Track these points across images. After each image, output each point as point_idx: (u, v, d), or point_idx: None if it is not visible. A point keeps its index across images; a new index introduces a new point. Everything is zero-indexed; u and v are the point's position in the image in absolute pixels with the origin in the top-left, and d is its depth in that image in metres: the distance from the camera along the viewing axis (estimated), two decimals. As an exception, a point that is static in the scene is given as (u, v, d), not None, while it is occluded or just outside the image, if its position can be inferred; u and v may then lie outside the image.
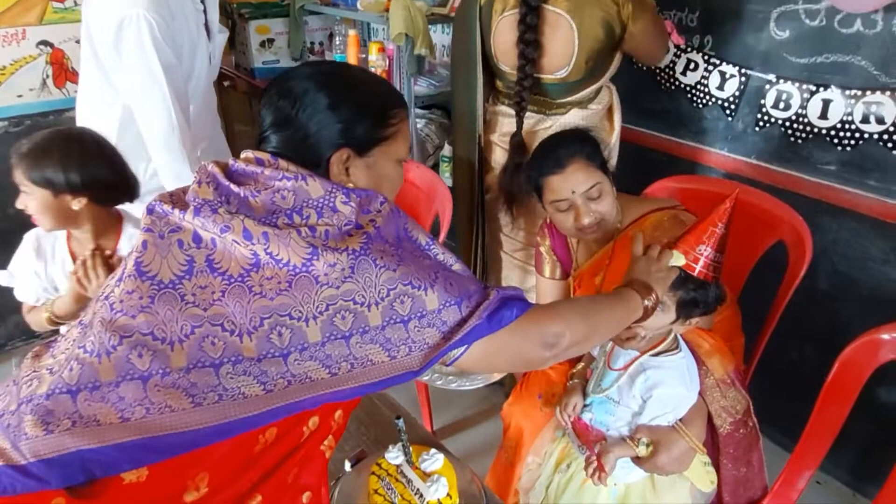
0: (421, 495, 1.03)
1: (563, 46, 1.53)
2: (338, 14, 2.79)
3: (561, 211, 1.28)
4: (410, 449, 1.09)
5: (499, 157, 1.78)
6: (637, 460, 1.17)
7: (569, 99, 1.64)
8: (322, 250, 0.72)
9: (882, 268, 1.61)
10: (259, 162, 0.83)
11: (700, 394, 1.18)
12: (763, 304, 1.51)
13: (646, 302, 0.97)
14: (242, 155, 0.86)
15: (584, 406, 1.25)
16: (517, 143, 1.68)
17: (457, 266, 0.82)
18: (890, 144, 1.49)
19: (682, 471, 1.17)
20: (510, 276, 1.90)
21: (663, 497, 1.22)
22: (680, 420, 1.16)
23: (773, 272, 1.51)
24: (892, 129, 1.48)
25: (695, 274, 1.03)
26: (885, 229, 1.57)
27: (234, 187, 0.79)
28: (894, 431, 1.67)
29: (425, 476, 1.06)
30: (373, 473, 1.08)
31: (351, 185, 0.83)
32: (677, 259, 1.04)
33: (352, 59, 2.72)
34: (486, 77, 1.74)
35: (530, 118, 1.68)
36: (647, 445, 1.15)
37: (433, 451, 1.10)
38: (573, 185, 1.24)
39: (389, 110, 0.88)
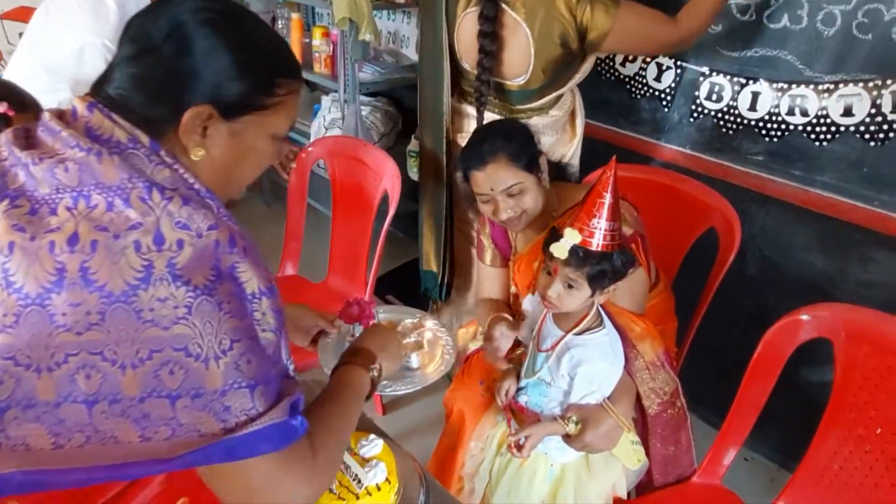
0: (359, 480, 1.03)
1: (519, 54, 1.53)
2: (280, -3, 2.72)
3: (483, 202, 1.31)
4: (349, 435, 1.09)
5: None
6: (567, 438, 1.20)
7: (529, 105, 1.65)
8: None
9: (805, 254, 1.70)
10: (73, 115, 0.64)
11: (629, 374, 1.22)
12: (695, 290, 1.57)
13: (372, 373, 0.95)
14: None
15: (520, 389, 1.28)
16: None
17: (269, 335, 0.65)
18: (813, 136, 1.57)
19: (611, 448, 1.20)
20: None
21: (597, 476, 1.25)
22: (608, 398, 1.19)
23: (706, 259, 1.57)
24: (814, 121, 1.55)
25: (594, 248, 1.06)
26: (808, 217, 1.65)
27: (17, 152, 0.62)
28: (815, 409, 1.76)
29: (364, 462, 1.06)
30: (310, 461, 1.07)
31: (200, 152, 0.67)
32: (573, 237, 1.07)
33: (295, 43, 2.66)
34: (452, 73, 1.72)
35: (491, 119, 1.66)
36: (576, 423, 1.18)
37: (372, 436, 1.10)
38: (492, 182, 1.26)
39: (278, 77, 0.72)
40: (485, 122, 1.65)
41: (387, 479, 1.05)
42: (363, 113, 2.57)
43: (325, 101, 2.72)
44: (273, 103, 0.72)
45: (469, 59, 1.62)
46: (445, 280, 2.00)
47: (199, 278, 0.58)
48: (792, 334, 1.17)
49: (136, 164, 0.60)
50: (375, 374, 0.96)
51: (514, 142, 1.28)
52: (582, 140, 1.78)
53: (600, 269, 1.09)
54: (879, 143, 1.47)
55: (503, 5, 1.50)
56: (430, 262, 2.01)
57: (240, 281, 0.61)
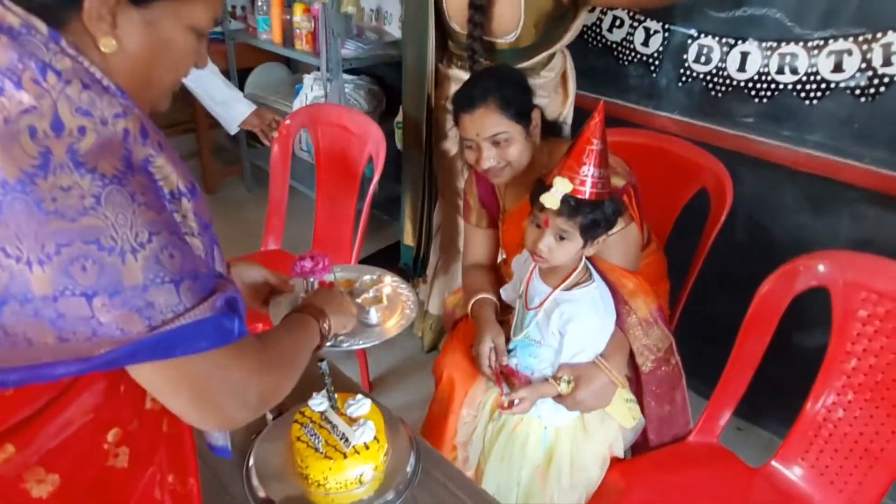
0: (346, 440, 0.99)
1: (509, 8, 1.50)
2: (259, -27, 2.67)
3: (467, 148, 1.28)
4: (335, 395, 1.05)
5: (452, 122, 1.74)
6: (559, 398, 1.17)
7: (520, 66, 1.61)
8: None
9: (796, 216, 1.68)
10: None
11: (622, 330, 1.19)
12: (687, 254, 1.54)
13: (323, 325, 0.93)
14: None
15: (509, 352, 1.24)
16: None
17: (192, 240, 0.59)
18: (803, 94, 1.55)
19: (604, 406, 1.18)
20: None
21: (593, 436, 1.22)
22: (600, 355, 1.16)
23: (696, 223, 1.54)
24: (804, 78, 1.53)
25: (586, 196, 1.03)
26: (799, 178, 1.64)
27: None
28: (807, 376, 1.74)
29: (351, 421, 1.02)
30: (295, 422, 1.02)
31: (111, 42, 0.59)
32: (563, 185, 1.04)
33: (276, 20, 2.61)
34: (438, 38, 1.69)
35: None
36: (568, 382, 1.15)
37: (359, 396, 1.06)
38: (478, 128, 1.23)
39: None
40: None
41: (375, 439, 1.01)
42: (346, 90, 2.53)
43: (308, 79, 2.67)
44: None
45: (459, 18, 1.58)
46: (422, 254, 1.97)
47: (107, 167, 0.52)
48: (789, 284, 1.15)
49: (29, 48, 0.53)
50: (326, 327, 0.93)
51: (506, 88, 1.24)
52: (574, 105, 1.75)
53: (593, 218, 1.06)
54: (870, 99, 1.46)
55: None
56: (409, 235, 1.98)
57: (155, 177, 0.55)
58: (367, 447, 0.99)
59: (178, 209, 0.57)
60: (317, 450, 0.98)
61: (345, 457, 0.97)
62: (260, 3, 2.65)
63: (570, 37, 1.60)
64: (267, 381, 0.68)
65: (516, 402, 1.16)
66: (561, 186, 1.05)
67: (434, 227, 1.99)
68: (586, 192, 1.03)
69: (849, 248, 1.59)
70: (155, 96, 0.67)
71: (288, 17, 2.55)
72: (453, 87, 1.71)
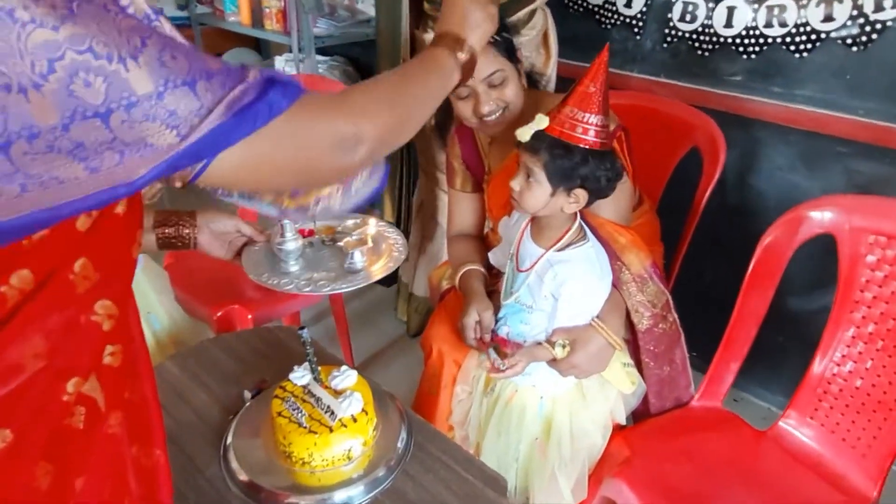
0: (332, 413, 0.91)
1: None
2: (224, -49, 2.57)
3: (461, 98, 1.18)
4: (318, 367, 0.97)
5: None
6: (554, 363, 1.10)
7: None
8: None
9: (789, 175, 1.64)
10: None
11: (617, 288, 1.13)
12: (679, 219, 1.49)
13: (460, 55, 0.81)
14: None
15: (497, 320, 1.17)
16: None
17: (186, 43, 0.51)
18: (792, 48, 1.50)
19: (602, 370, 1.11)
20: None
21: (592, 404, 1.16)
22: (596, 317, 1.10)
23: (689, 188, 1.48)
24: (794, 31, 1.48)
25: (560, 136, 0.97)
26: (789, 135, 1.59)
27: None
28: (803, 344, 1.70)
29: (336, 394, 0.94)
30: (275, 397, 0.94)
31: None
32: (541, 122, 0.98)
33: (243, 1, 2.51)
34: (413, 2, 1.62)
35: None
36: (564, 346, 1.08)
37: (345, 367, 0.98)
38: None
39: None
40: None
41: (363, 411, 0.93)
42: (320, 71, 2.44)
43: (279, 61, 2.58)
44: None
45: None
46: (400, 228, 1.90)
47: None
48: (792, 232, 1.10)
49: None
50: (463, 56, 0.80)
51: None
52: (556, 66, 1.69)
53: (561, 163, 0.99)
54: (862, 48, 1.41)
55: None
56: (388, 212, 1.91)
57: (119, 1, 0.47)
58: (354, 420, 0.92)
59: (161, 26, 0.49)
60: (300, 425, 0.91)
61: (331, 431, 0.90)
62: (227, -17, 2.55)
63: None
64: (364, 118, 0.60)
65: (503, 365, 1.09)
66: (538, 122, 1.00)
67: (414, 204, 1.92)
68: (576, 135, 0.97)
69: (844, 205, 1.56)
70: None
71: (256, -4, 2.46)
72: None
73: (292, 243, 1.00)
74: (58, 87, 0.42)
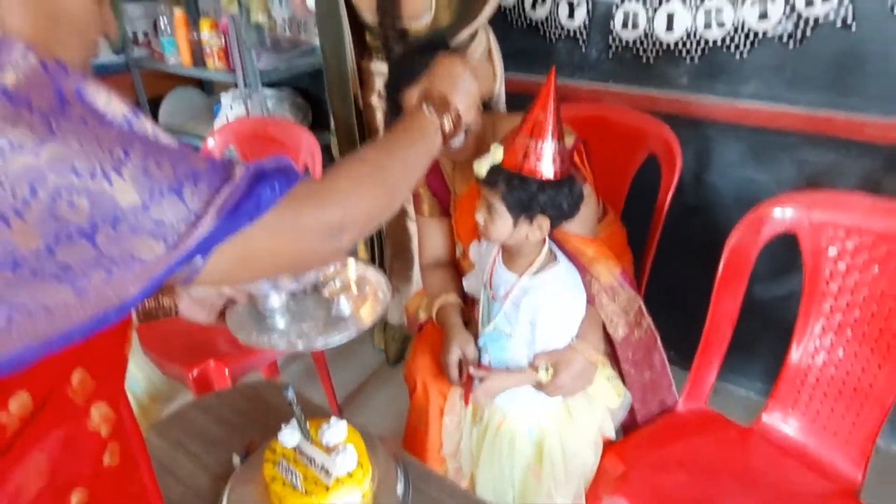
0: (327, 472, 0.89)
1: None
2: (158, -7, 2.51)
3: None
4: (307, 423, 0.95)
5: (382, 120, 1.65)
6: (539, 386, 1.11)
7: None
8: None
9: (742, 170, 1.68)
10: None
11: (590, 304, 1.14)
12: (644, 224, 1.52)
13: (443, 121, 0.78)
14: None
15: (479, 349, 1.17)
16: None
17: (170, 142, 0.50)
18: (732, 48, 1.55)
19: (588, 386, 1.12)
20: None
21: (581, 421, 1.17)
22: (575, 336, 1.11)
23: (649, 193, 1.51)
24: (732, 31, 1.53)
25: (517, 169, 0.97)
26: (739, 132, 1.64)
27: None
28: (774, 330, 1.76)
29: (329, 450, 0.93)
30: (266, 461, 0.92)
31: None
32: (496, 153, 0.99)
33: (182, 41, 2.46)
34: (355, 34, 1.61)
35: None
36: (547, 369, 1.09)
37: (333, 419, 0.97)
38: None
39: None
40: None
41: (358, 464, 0.92)
42: (268, 105, 2.41)
43: (225, 97, 2.53)
44: None
45: (368, 7, 1.51)
46: (376, 263, 1.88)
47: (42, 102, 0.42)
48: (756, 232, 1.13)
49: None
50: (447, 123, 0.78)
51: (442, 48, 1.18)
52: (504, 80, 1.70)
53: (520, 195, 0.99)
54: (798, 44, 1.47)
55: None
56: (360, 248, 1.89)
57: (94, 106, 0.46)
58: (350, 475, 0.90)
59: (138, 123, 0.48)
60: (296, 488, 0.89)
61: (328, 489, 0.88)
62: (163, 26, 2.49)
63: (488, 11, 1.54)
64: (343, 208, 0.59)
65: (477, 382, 1.11)
66: (493, 154, 1.00)
67: (384, 234, 1.91)
68: (528, 165, 0.97)
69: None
70: (70, 43, 0.55)
71: (195, 36, 2.41)
72: (378, 82, 1.64)
73: (276, 299, 0.98)
74: (41, 211, 0.41)
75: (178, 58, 2.51)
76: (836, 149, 1.52)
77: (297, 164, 1.71)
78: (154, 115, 2.90)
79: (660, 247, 1.50)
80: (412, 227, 1.77)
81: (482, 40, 1.62)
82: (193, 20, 2.44)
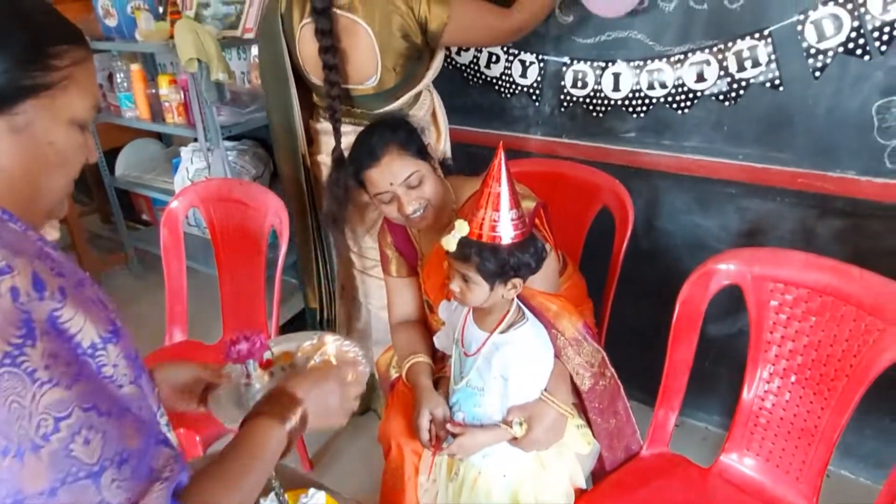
0: (308, 544, 0.91)
1: (365, 55, 1.49)
2: (115, 49, 2.52)
3: (385, 203, 1.25)
4: (285, 496, 0.96)
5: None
6: (515, 441, 1.15)
7: (387, 109, 1.59)
8: None
9: (689, 217, 1.79)
10: None
11: (557, 357, 1.20)
12: (601, 272, 1.59)
13: (287, 426, 0.79)
14: None
15: (452, 406, 1.21)
16: (337, 157, 1.59)
17: (129, 389, 0.52)
18: (675, 105, 1.66)
19: (560, 439, 1.17)
20: (375, 294, 1.81)
21: (552, 471, 1.21)
22: (545, 390, 1.16)
23: (604, 241, 1.60)
24: (673, 91, 1.65)
25: (483, 239, 1.03)
26: (684, 182, 1.75)
27: None
28: (727, 365, 1.85)
29: (309, 522, 0.94)
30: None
31: None
32: (461, 228, 1.04)
33: (139, 95, 2.47)
34: (302, 92, 1.66)
35: (349, 132, 1.59)
36: (521, 424, 1.14)
37: (311, 490, 0.99)
38: (390, 176, 1.21)
39: (51, 45, 0.58)
40: (343, 136, 1.59)
41: (339, 534, 0.94)
42: (230, 158, 2.42)
43: (185, 152, 2.54)
44: (56, 80, 0.57)
45: (316, 73, 1.56)
46: (325, 316, 1.91)
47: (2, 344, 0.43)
48: (704, 286, 1.21)
49: None
50: (294, 424, 0.80)
51: (400, 131, 1.24)
52: (449, 139, 1.76)
53: (491, 265, 1.05)
54: (733, 102, 1.59)
55: (337, 11, 1.46)
56: (311, 298, 1.92)
57: (68, 334, 0.47)
58: (332, 547, 0.92)
59: (106, 359, 0.49)
60: (278, 564, 0.90)
61: (310, 564, 0.90)
62: (119, 80, 2.49)
63: (431, 74, 1.61)
64: None
65: (450, 439, 1.15)
66: (459, 229, 1.05)
67: (336, 289, 1.94)
68: (486, 235, 1.03)
69: (739, 240, 1.72)
70: (48, 206, 0.59)
71: (153, 90, 2.42)
72: (325, 141, 1.68)
73: (258, 382, 1.01)
74: (58, 448, 0.42)
75: (135, 112, 2.51)
76: (773, 198, 1.64)
77: (265, 227, 1.73)
78: (110, 167, 2.88)
79: (618, 291, 1.58)
80: (362, 279, 1.82)
81: (426, 100, 1.68)
82: (151, 76, 2.45)
